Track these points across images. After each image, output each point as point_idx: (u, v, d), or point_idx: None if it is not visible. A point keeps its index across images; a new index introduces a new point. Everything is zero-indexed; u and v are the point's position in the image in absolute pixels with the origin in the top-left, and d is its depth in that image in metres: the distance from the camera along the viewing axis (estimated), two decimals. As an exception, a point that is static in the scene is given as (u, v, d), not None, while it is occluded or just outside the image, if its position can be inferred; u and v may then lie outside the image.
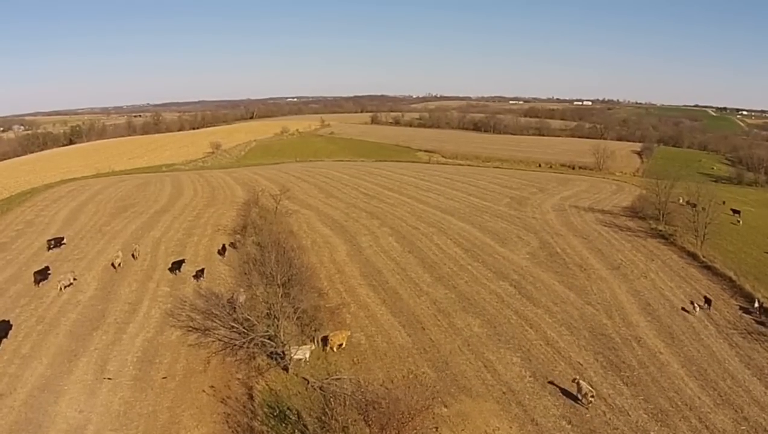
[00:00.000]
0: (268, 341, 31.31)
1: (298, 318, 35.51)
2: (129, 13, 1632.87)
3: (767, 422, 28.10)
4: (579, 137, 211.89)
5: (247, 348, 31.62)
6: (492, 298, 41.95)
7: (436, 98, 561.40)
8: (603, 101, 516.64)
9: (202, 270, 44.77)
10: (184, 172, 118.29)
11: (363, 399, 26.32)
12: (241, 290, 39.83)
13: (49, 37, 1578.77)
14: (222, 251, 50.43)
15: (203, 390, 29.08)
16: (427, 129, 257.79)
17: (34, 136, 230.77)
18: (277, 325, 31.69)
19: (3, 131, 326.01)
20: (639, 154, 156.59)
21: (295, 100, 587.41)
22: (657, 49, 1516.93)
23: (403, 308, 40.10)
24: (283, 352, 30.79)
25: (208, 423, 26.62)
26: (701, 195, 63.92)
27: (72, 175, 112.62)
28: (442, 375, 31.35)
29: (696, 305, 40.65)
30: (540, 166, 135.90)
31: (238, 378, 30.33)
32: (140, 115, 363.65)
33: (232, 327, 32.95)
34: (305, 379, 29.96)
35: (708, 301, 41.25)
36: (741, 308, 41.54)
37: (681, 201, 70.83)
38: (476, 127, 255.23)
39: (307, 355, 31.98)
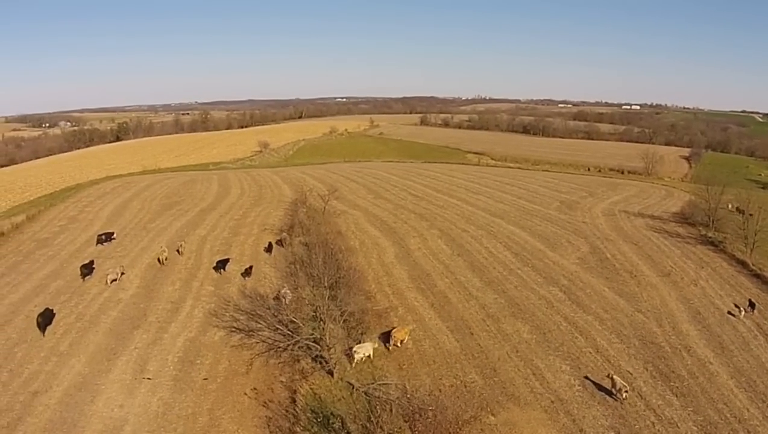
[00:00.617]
0: (313, 344, 30.24)
1: (344, 321, 33.98)
2: (178, 13, 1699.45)
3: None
4: (627, 141, 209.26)
5: (292, 350, 30.50)
6: (541, 304, 40.46)
7: (485, 100, 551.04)
8: (651, 105, 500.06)
9: (250, 268, 43.73)
10: (231, 171, 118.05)
11: (409, 407, 25.46)
12: (287, 288, 38.46)
13: (98, 36, 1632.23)
14: (269, 249, 49.38)
15: (245, 393, 27.96)
16: (477, 131, 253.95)
17: (80, 133, 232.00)
18: (323, 328, 30.48)
19: (49, 127, 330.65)
20: (687, 159, 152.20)
21: (344, 100, 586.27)
22: (705, 54, 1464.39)
23: (451, 312, 38.67)
24: (329, 356, 29.45)
25: (249, 427, 25.60)
26: (751, 201, 63.94)
27: (118, 171, 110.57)
28: (490, 382, 30.23)
29: (741, 308, 39.97)
30: (589, 169, 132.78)
31: (281, 382, 29.15)
32: (188, 113, 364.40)
33: (277, 328, 31.76)
34: (350, 384, 28.63)
35: (752, 305, 40.43)
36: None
37: (730, 207, 70.00)
38: (525, 130, 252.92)
39: (371, 353, 30.97)
